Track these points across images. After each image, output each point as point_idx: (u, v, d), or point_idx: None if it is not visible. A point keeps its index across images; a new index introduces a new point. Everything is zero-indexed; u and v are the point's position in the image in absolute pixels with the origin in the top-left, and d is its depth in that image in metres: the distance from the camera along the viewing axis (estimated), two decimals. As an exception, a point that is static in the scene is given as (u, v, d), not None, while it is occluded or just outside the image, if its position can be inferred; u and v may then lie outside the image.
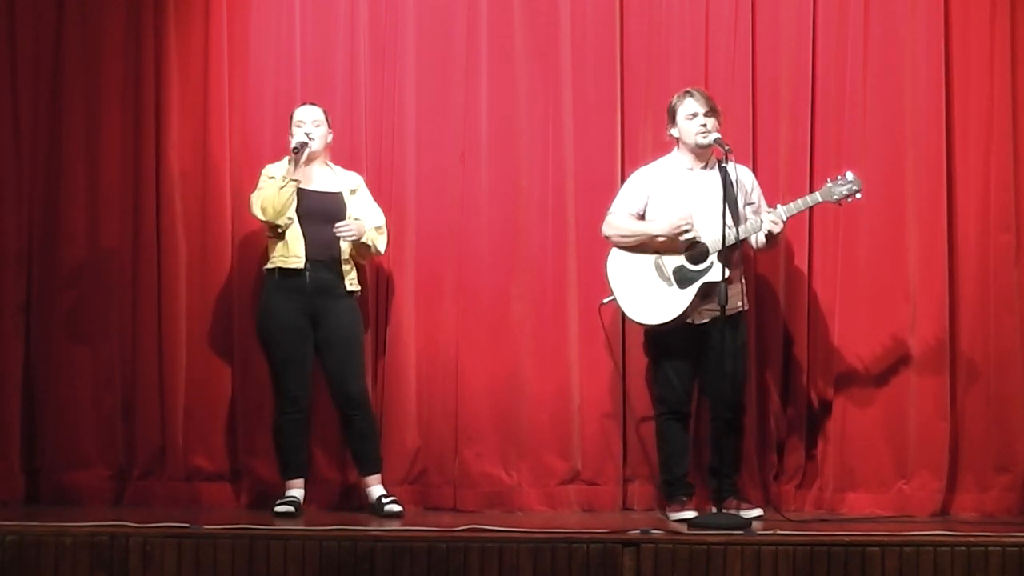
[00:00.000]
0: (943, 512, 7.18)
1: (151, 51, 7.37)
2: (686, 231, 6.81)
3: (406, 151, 7.40)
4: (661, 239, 6.85)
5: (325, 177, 7.07)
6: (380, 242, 7.08)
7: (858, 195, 6.83)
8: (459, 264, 7.38)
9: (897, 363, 7.28)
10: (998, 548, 6.10)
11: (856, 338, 7.32)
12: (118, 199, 7.34)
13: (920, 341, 7.25)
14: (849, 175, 6.84)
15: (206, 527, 6.23)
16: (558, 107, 7.44)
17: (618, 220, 6.97)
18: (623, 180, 7.26)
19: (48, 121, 7.36)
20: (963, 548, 6.11)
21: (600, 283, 7.10)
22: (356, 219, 6.99)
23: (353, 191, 7.07)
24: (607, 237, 7.00)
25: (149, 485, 7.28)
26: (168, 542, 6.09)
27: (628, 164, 7.35)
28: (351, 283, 7.00)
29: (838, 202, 6.86)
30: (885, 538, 6.22)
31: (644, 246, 6.90)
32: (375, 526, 6.60)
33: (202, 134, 7.38)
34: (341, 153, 7.22)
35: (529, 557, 6.08)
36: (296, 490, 6.97)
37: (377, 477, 7.05)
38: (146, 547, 6.08)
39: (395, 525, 6.68)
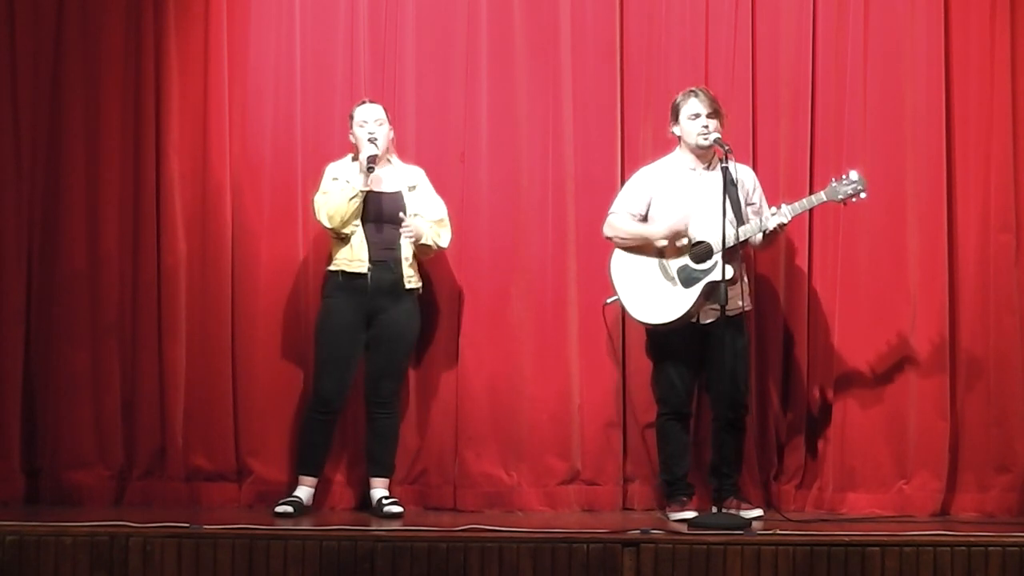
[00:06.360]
0: (943, 512, 7.18)
1: (151, 51, 7.37)
2: (683, 234, 6.81)
3: (406, 151, 7.39)
4: (661, 242, 6.86)
5: (386, 176, 7.07)
6: (442, 238, 7.08)
7: (863, 194, 6.84)
8: (459, 264, 7.38)
9: (897, 363, 7.28)
10: (998, 548, 6.11)
11: (856, 338, 7.32)
12: (118, 199, 7.33)
13: (920, 341, 7.25)
14: (853, 174, 6.85)
15: (206, 527, 6.23)
16: (558, 107, 7.44)
17: (619, 221, 6.98)
18: (623, 180, 7.27)
19: (48, 121, 7.35)
20: (963, 548, 6.12)
21: (600, 283, 7.10)
22: (415, 215, 6.99)
23: (412, 188, 7.07)
24: (608, 238, 7.01)
25: (149, 485, 7.27)
26: (168, 542, 6.09)
27: (628, 164, 7.35)
28: (410, 280, 7.00)
29: (843, 202, 6.87)
30: (885, 538, 6.22)
31: (646, 247, 6.91)
32: (375, 526, 6.61)
33: (202, 134, 7.37)
34: (342, 154, 7.20)
35: (529, 557, 6.08)
36: (304, 488, 7.00)
37: (384, 481, 7.07)
38: (146, 547, 6.08)
39: (395, 525, 6.68)
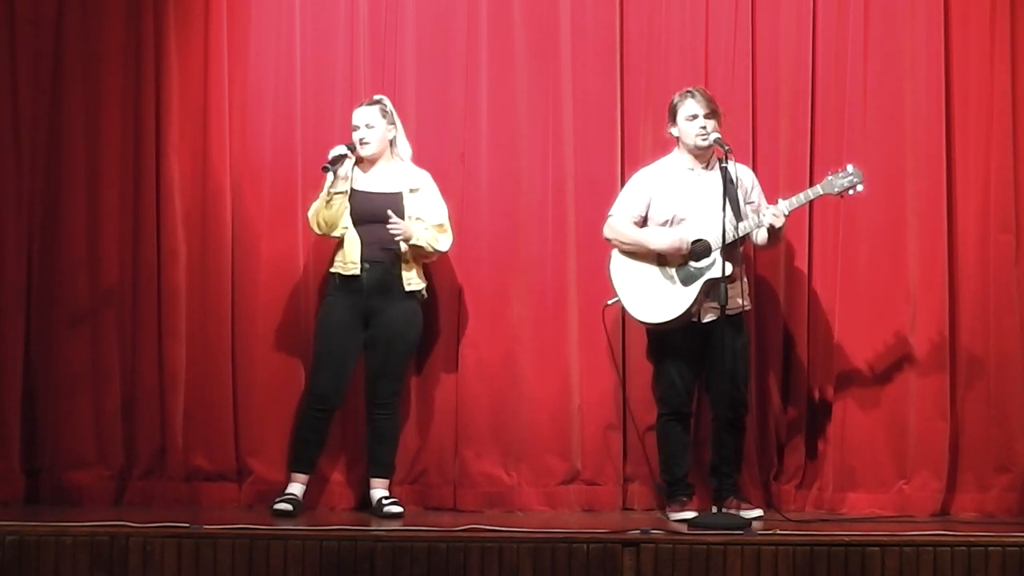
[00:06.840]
0: (943, 512, 7.18)
1: (151, 51, 7.37)
2: (683, 247, 6.81)
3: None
4: (660, 250, 6.86)
5: (386, 176, 7.06)
6: (440, 242, 7.04)
7: (859, 187, 6.84)
8: (459, 264, 7.38)
9: (897, 363, 7.28)
10: (998, 548, 6.11)
11: (856, 338, 7.32)
12: (118, 200, 7.33)
13: (920, 341, 7.25)
14: (849, 167, 6.86)
15: (206, 527, 6.24)
16: (558, 107, 7.44)
17: (619, 225, 6.97)
18: (623, 180, 7.27)
19: (48, 121, 7.36)
20: (963, 548, 6.12)
21: (600, 283, 7.10)
22: (418, 218, 6.98)
23: (414, 190, 7.05)
24: (607, 240, 7.01)
25: (149, 485, 7.28)
26: (168, 542, 6.09)
27: (628, 164, 7.36)
28: (409, 283, 7.00)
29: (839, 194, 6.88)
30: (885, 538, 6.22)
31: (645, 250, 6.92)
32: (375, 526, 6.61)
33: (202, 134, 7.37)
34: (341, 153, 7.22)
35: (529, 557, 6.08)
36: (297, 485, 6.98)
37: (384, 481, 7.07)
38: (146, 547, 6.08)
39: (395, 525, 6.68)
